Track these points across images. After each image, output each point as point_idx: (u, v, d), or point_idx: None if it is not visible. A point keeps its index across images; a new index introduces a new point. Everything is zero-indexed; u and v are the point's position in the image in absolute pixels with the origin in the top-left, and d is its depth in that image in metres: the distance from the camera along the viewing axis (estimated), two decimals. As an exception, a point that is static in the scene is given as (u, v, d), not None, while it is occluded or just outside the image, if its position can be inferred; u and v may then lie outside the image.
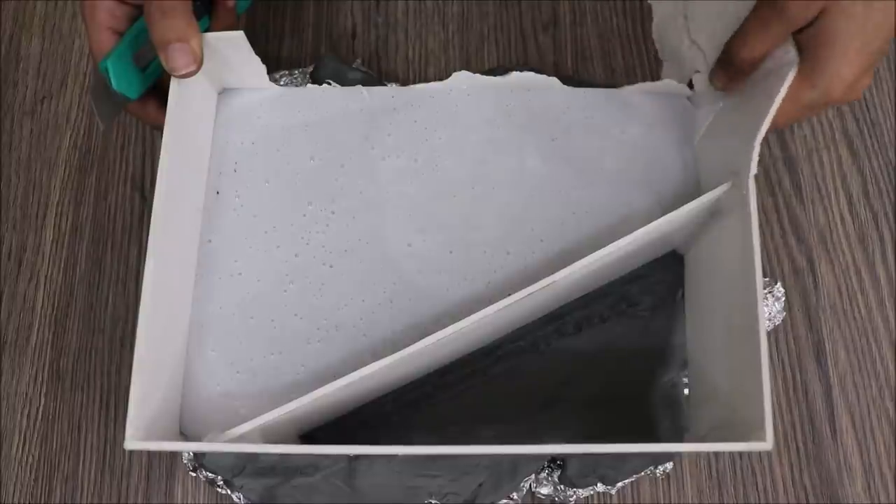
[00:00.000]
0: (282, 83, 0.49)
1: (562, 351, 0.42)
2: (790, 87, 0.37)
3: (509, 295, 0.40)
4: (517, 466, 0.42)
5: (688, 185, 0.43)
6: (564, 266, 0.41)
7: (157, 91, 0.42)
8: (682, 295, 0.44)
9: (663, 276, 0.43)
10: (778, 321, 0.47)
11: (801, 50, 0.37)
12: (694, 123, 0.44)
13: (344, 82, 0.47)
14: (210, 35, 0.39)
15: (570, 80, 0.47)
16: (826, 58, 0.36)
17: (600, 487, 0.43)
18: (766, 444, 0.34)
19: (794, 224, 0.50)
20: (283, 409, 0.37)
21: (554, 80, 0.46)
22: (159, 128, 0.39)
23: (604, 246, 0.41)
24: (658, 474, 0.43)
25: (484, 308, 0.40)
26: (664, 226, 0.40)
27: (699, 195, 0.43)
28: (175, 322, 0.40)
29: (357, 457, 0.41)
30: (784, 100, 0.37)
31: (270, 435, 0.39)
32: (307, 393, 0.39)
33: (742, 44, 0.38)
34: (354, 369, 0.39)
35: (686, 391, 0.43)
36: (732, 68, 0.39)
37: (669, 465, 0.43)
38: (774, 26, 0.36)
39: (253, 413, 0.39)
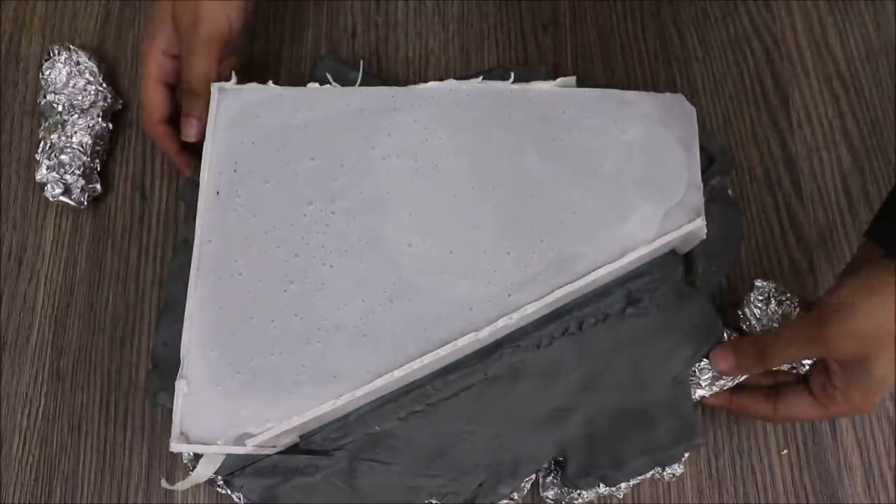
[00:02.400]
0: (282, 83, 0.49)
1: (562, 349, 0.42)
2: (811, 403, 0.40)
3: (509, 296, 0.41)
4: (517, 466, 0.42)
5: (688, 185, 0.43)
6: (564, 266, 0.41)
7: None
8: (682, 294, 0.44)
9: (663, 274, 0.43)
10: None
11: (833, 371, 0.38)
12: (693, 123, 0.44)
13: (344, 82, 0.47)
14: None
15: (570, 80, 0.47)
16: (860, 401, 0.38)
17: (602, 489, 0.42)
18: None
19: (794, 224, 0.50)
20: (297, 424, 0.38)
21: (554, 81, 0.46)
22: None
23: (604, 246, 0.41)
24: (666, 478, 0.43)
25: (484, 308, 0.40)
26: (668, 226, 0.40)
27: (699, 195, 0.43)
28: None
29: (357, 457, 0.41)
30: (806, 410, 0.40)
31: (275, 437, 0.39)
32: (307, 393, 0.39)
33: (779, 352, 0.39)
34: (354, 369, 0.39)
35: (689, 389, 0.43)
36: (756, 363, 0.40)
37: (679, 469, 0.43)
38: (817, 349, 0.38)
39: (253, 413, 0.39)
